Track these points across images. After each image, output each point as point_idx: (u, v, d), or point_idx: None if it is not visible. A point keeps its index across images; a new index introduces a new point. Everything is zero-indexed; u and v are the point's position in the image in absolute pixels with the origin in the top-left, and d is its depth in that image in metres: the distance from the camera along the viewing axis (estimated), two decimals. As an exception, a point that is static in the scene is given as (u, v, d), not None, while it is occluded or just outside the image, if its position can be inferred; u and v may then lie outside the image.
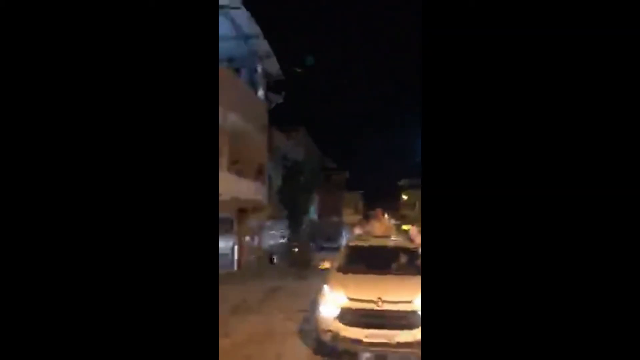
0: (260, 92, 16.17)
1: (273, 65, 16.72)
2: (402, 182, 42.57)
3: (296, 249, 17.74)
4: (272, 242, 18.87)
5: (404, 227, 36.35)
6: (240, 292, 9.32)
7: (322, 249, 21.45)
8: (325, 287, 5.68)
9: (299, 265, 14.38)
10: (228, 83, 11.43)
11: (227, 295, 8.19)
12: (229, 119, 11.47)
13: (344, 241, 7.70)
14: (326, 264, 7.08)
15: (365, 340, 5.07)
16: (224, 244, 13.47)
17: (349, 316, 5.22)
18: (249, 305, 8.25)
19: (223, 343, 5.45)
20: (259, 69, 16.10)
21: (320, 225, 24.82)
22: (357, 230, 9.42)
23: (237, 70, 14.89)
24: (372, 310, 5.17)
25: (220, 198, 7.86)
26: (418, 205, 41.67)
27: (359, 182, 35.07)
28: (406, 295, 5.22)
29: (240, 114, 12.51)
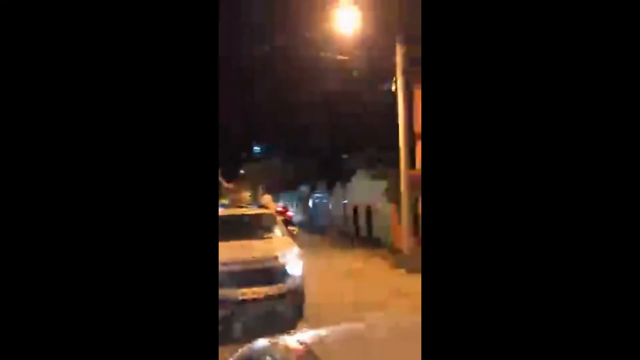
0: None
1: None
2: (243, 156, 50.27)
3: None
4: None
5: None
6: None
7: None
8: None
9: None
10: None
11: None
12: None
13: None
14: None
15: (240, 298, 5.47)
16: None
17: (225, 279, 5.43)
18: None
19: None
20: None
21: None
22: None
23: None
24: (245, 270, 5.59)
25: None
26: (257, 170, 49.16)
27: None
28: (272, 253, 5.84)
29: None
